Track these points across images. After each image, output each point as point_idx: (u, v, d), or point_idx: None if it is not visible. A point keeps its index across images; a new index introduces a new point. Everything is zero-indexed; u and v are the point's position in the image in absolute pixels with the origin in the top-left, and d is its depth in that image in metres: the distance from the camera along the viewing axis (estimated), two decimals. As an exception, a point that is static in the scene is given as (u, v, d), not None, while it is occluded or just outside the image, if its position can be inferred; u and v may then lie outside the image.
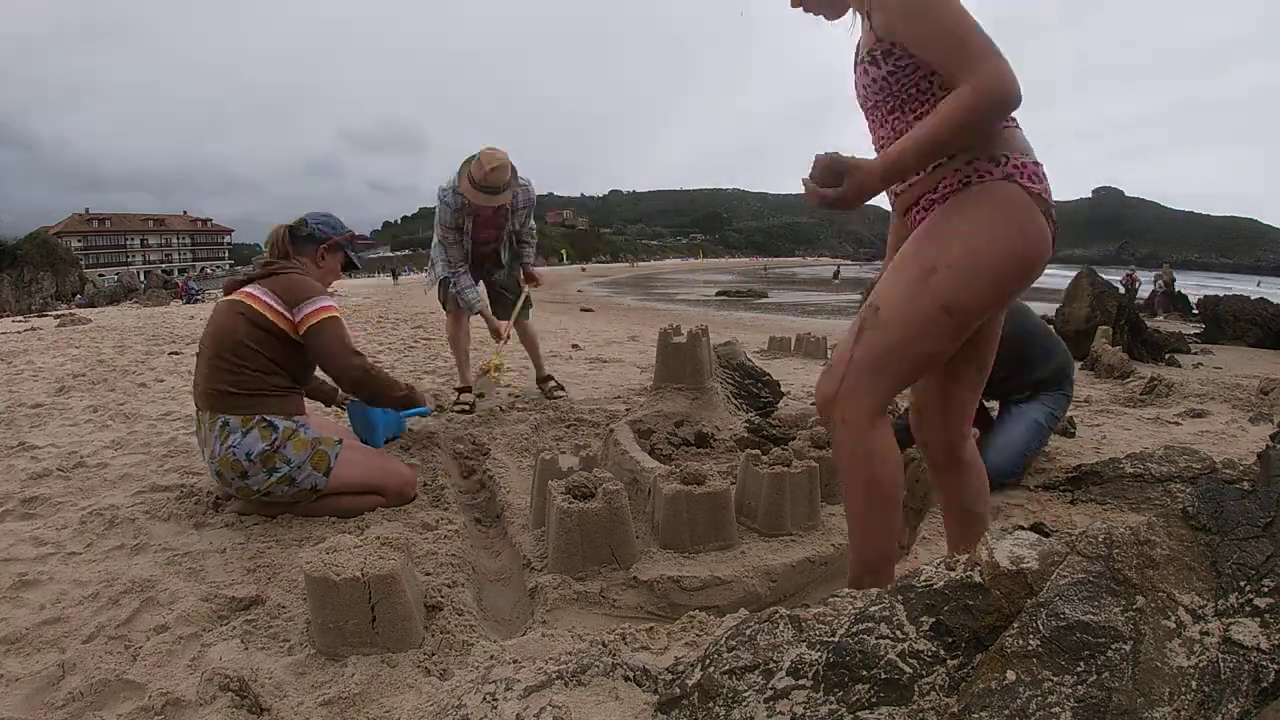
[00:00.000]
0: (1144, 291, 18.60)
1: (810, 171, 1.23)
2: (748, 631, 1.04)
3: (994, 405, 2.61)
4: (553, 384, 4.09)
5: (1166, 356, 7.03)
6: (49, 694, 1.34)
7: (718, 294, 29.12)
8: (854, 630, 0.94)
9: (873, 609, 0.97)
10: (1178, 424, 3.28)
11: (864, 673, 0.89)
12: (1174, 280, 18.50)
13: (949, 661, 0.88)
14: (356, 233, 2.59)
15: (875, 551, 1.30)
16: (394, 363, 5.39)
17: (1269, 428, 3.07)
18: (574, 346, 6.71)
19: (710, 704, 0.94)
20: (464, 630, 1.52)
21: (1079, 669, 0.77)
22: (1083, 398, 4.03)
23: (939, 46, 1.20)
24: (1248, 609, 0.78)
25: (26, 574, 1.80)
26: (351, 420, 2.78)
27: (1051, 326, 8.07)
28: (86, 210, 76.10)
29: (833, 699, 0.88)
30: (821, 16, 1.45)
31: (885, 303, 1.27)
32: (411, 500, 2.28)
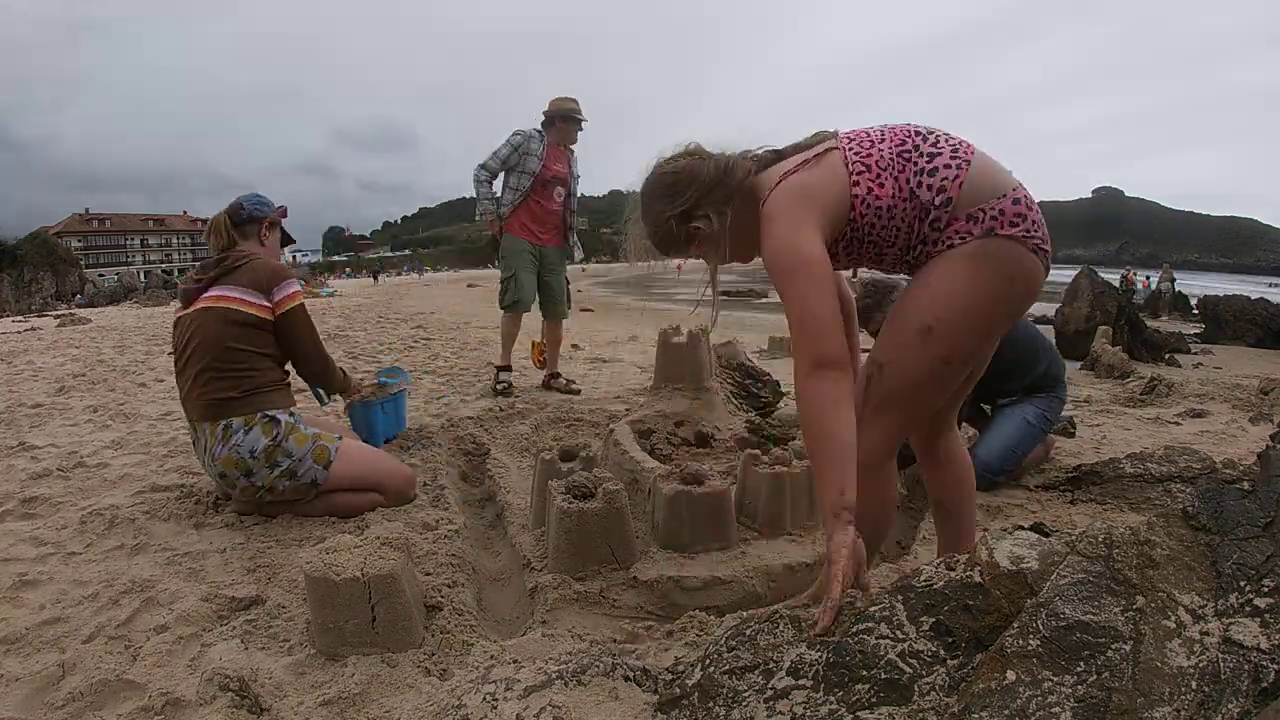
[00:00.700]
0: (1143, 292, 18.60)
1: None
2: (748, 631, 1.04)
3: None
4: (563, 380, 4.18)
5: (1166, 356, 7.04)
6: (49, 694, 1.34)
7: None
8: (854, 630, 0.94)
9: (873, 609, 0.97)
10: (1178, 424, 3.28)
11: (864, 673, 0.89)
12: (1174, 280, 18.52)
13: (949, 661, 0.88)
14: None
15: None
16: (394, 362, 5.38)
17: (1269, 428, 3.07)
18: (574, 346, 6.71)
19: (710, 704, 0.94)
20: (464, 630, 1.52)
21: (1079, 669, 0.77)
22: (1083, 398, 4.03)
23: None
24: (1248, 609, 0.78)
25: (26, 574, 1.80)
26: (352, 421, 2.78)
27: (1051, 327, 8.09)
28: (86, 210, 76.11)
29: (833, 699, 0.88)
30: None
31: (887, 360, 1.36)
32: (411, 500, 2.28)
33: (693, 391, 2.88)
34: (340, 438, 2.25)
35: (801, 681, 0.91)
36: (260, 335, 2.19)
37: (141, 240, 77.28)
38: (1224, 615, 0.79)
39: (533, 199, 3.91)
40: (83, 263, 43.68)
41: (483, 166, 3.89)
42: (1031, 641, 0.81)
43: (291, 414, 2.19)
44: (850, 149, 1.31)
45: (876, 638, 0.92)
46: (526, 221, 3.93)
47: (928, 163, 1.28)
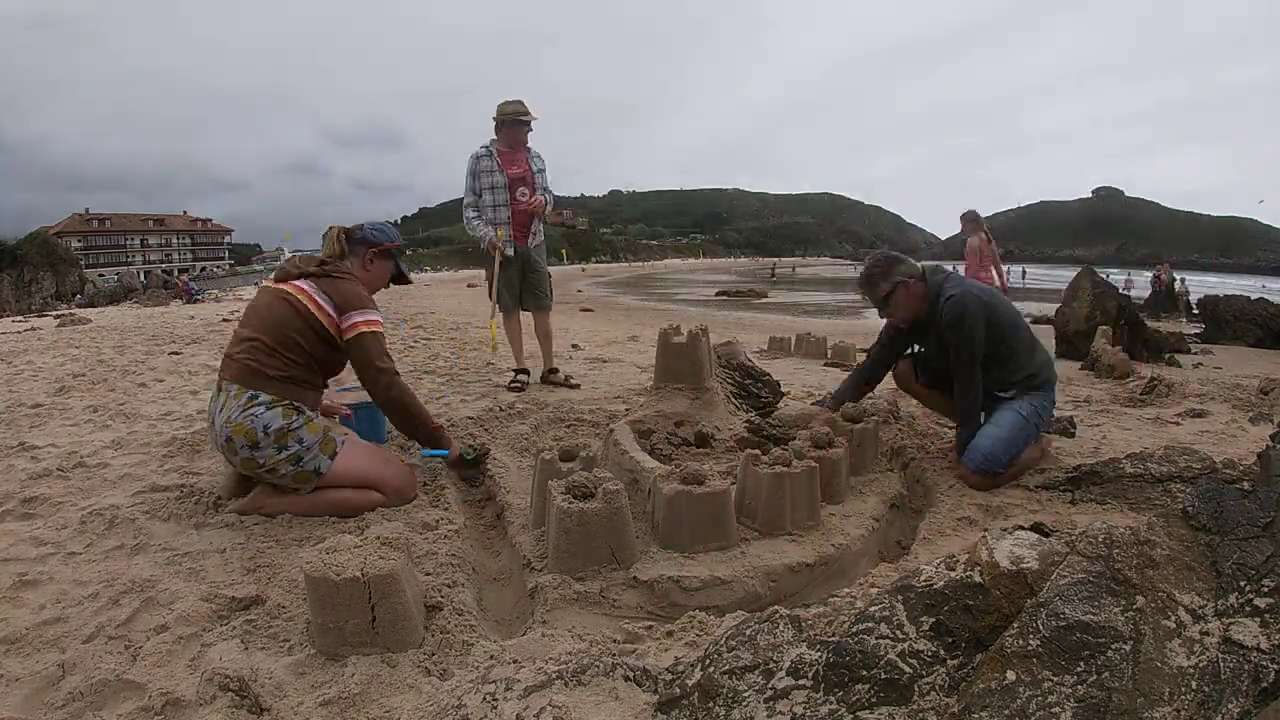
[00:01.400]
0: (1142, 291, 18.60)
1: None
2: (748, 631, 1.04)
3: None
4: (560, 375, 4.30)
5: (1166, 356, 7.03)
6: (49, 694, 1.34)
7: (718, 294, 29.10)
8: (854, 630, 0.94)
9: (873, 609, 0.97)
10: (1178, 424, 3.28)
11: (864, 673, 0.89)
12: (1174, 280, 18.53)
13: (949, 661, 0.88)
14: (400, 243, 2.66)
15: None
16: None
17: (1269, 428, 3.07)
18: (574, 346, 6.71)
19: (710, 704, 0.94)
20: (464, 630, 1.52)
21: (1079, 669, 0.77)
22: (1083, 398, 4.03)
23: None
24: (1248, 609, 0.78)
25: (26, 574, 1.80)
26: (358, 424, 2.77)
27: (1051, 328, 8.08)
28: (86, 210, 76.04)
29: (833, 699, 0.88)
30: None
31: None
32: (412, 500, 2.28)
33: (693, 391, 2.88)
34: (346, 434, 2.30)
35: (801, 681, 0.91)
36: (317, 341, 2.28)
37: (141, 240, 77.22)
38: (1224, 615, 0.79)
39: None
40: (83, 263, 43.65)
41: (467, 207, 4.15)
42: (1031, 641, 0.81)
43: (313, 414, 2.26)
44: None
45: (876, 638, 0.92)
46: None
47: None
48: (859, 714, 0.86)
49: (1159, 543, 0.86)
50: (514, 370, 4.31)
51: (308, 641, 1.44)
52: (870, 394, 3.02)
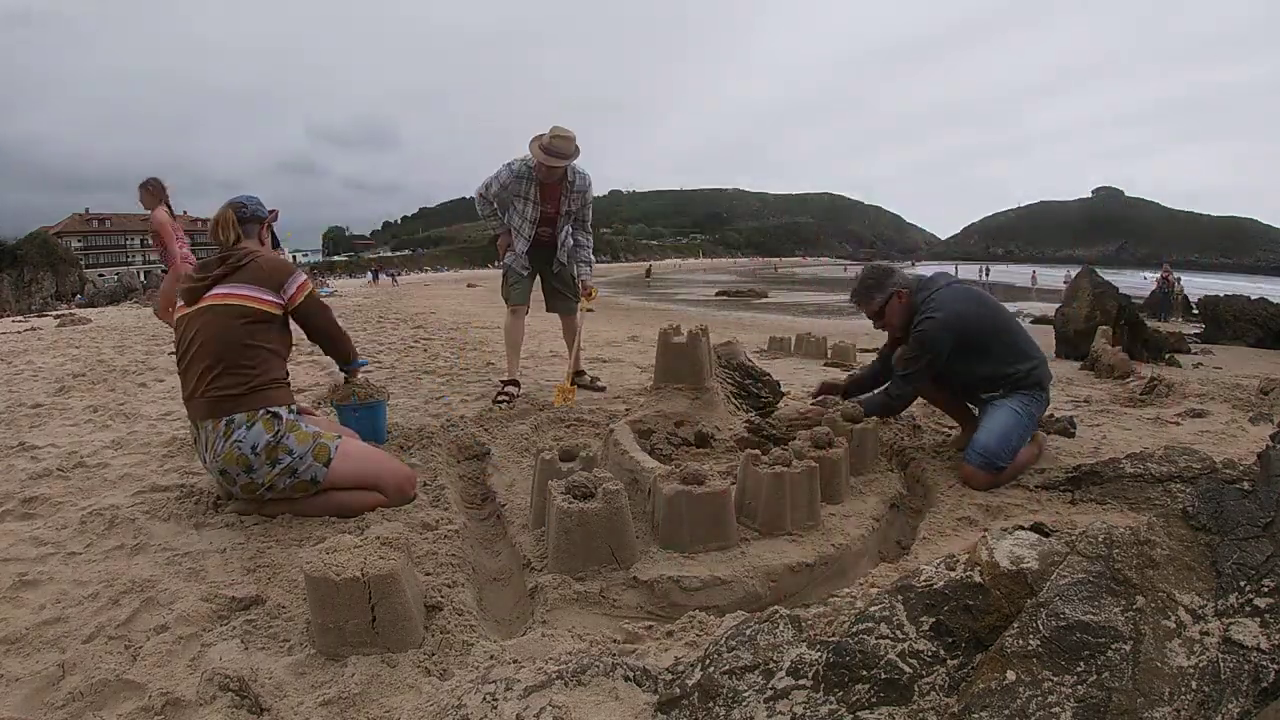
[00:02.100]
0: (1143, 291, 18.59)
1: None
2: (748, 631, 1.04)
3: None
4: (586, 377, 4.19)
5: (1166, 356, 7.03)
6: (49, 694, 1.34)
7: (718, 294, 29.11)
8: (854, 630, 0.94)
9: (873, 609, 0.97)
10: (1178, 424, 3.28)
11: (864, 673, 0.89)
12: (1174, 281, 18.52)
13: (949, 661, 0.88)
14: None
15: None
16: (394, 363, 5.39)
17: (1269, 428, 3.07)
18: (574, 346, 6.70)
19: (710, 704, 0.94)
20: (464, 630, 1.52)
21: (1079, 669, 0.77)
22: (1083, 398, 4.02)
23: None
24: (1248, 609, 0.78)
25: (26, 574, 1.80)
26: (350, 420, 2.78)
27: (1051, 328, 8.08)
28: (86, 210, 76.02)
29: (833, 699, 0.88)
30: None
31: None
32: (412, 499, 2.28)
33: (693, 391, 2.88)
34: (340, 436, 2.27)
35: (801, 681, 0.91)
36: (269, 331, 2.23)
37: (141, 240, 77.12)
38: (1224, 615, 0.79)
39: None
40: (83, 263, 43.62)
41: (483, 190, 3.92)
42: (1031, 641, 0.81)
43: (292, 410, 2.22)
44: None
45: (876, 638, 0.92)
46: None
47: None
48: (859, 714, 0.86)
49: (1159, 543, 0.86)
50: (503, 381, 3.97)
51: (308, 641, 1.44)
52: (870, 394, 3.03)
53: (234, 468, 2.10)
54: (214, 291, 2.21)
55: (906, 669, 0.88)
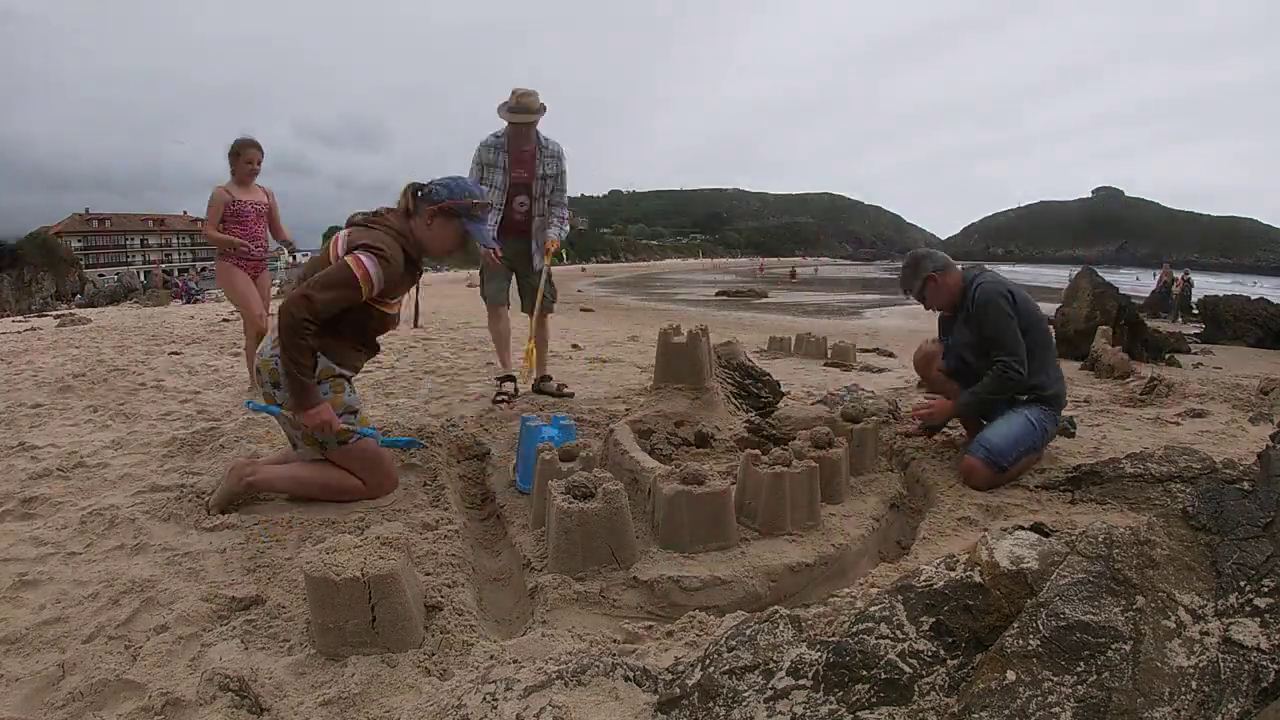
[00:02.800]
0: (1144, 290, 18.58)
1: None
2: (748, 631, 1.04)
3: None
4: (553, 384, 4.00)
5: (1166, 356, 7.04)
6: (49, 694, 1.34)
7: (718, 294, 29.10)
8: (854, 630, 0.94)
9: (873, 609, 0.97)
10: (1178, 424, 3.28)
11: (864, 673, 0.89)
12: (1173, 279, 18.53)
13: (949, 661, 0.88)
14: (477, 200, 2.38)
15: None
16: (394, 363, 5.38)
17: (1269, 428, 3.07)
18: (574, 346, 6.71)
19: (710, 704, 0.94)
20: (464, 630, 1.52)
21: (1079, 669, 0.77)
22: (1083, 398, 4.02)
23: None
24: (1248, 609, 0.78)
25: (26, 574, 1.80)
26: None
27: (1051, 328, 8.10)
28: (86, 210, 76.05)
29: (833, 699, 0.88)
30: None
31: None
32: (388, 493, 2.32)
33: (693, 391, 2.88)
34: (373, 430, 2.32)
35: (801, 681, 0.91)
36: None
37: (141, 240, 77.23)
38: (1224, 615, 0.79)
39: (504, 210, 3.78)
40: (83, 263, 43.63)
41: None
42: (1031, 641, 0.81)
43: (341, 371, 2.27)
44: None
45: (876, 638, 0.92)
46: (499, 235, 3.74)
47: None
48: (859, 714, 0.86)
49: (1159, 543, 0.86)
50: (499, 379, 3.89)
51: (308, 641, 1.44)
52: (870, 394, 3.04)
53: (265, 374, 2.24)
54: (340, 233, 2.32)
55: (906, 669, 0.88)
